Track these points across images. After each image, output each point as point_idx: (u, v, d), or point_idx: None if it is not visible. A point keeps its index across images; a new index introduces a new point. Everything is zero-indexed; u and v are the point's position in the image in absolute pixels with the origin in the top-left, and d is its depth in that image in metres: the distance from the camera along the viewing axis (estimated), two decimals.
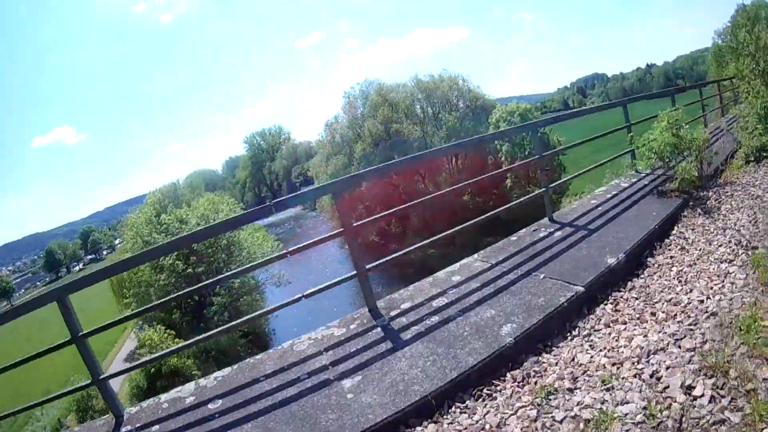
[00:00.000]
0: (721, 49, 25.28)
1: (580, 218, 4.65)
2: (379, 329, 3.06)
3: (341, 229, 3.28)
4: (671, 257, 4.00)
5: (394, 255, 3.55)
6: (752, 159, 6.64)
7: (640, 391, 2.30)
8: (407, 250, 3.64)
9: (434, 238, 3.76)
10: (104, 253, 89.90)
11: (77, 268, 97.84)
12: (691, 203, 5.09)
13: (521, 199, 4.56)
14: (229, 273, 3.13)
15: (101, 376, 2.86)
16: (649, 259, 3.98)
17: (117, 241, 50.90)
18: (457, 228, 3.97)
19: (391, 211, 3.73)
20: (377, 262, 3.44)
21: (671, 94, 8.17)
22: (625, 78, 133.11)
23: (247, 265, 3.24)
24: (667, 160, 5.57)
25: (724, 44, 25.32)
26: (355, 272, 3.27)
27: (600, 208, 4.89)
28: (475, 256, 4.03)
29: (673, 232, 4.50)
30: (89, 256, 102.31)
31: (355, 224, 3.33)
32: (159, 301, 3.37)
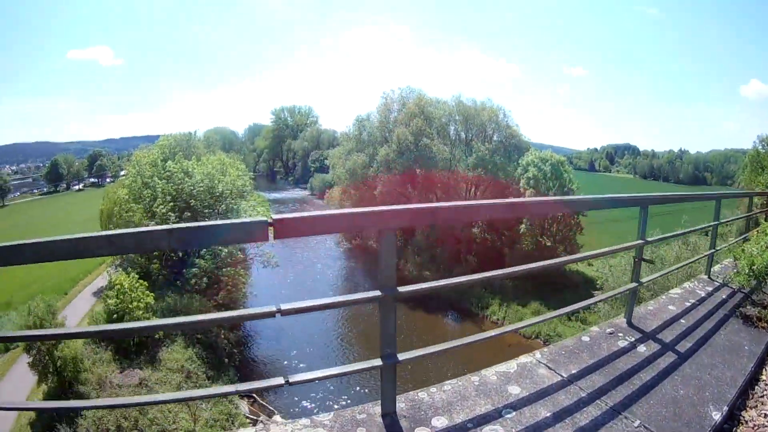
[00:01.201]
0: (760, 155, 24.50)
1: (663, 330, 3.79)
2: None
3: (377, 293, 2.07)
4: (766, 416, 3.20)
5: (429, 350, 2.36)
6: None
7: None
8: (447, 346, 2.39)
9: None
10: (107, 180, 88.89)
11: (77, 187, 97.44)
12: None
13: (606, 295, 3.67)
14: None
15: None
16: (742, 412, 3.16)
17: (122, 173, 50.22)
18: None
19: (453, 281, 2.46)
20: (412, 355, 2.26)
21: (750, 196, 7.50)
22: (656, 156, 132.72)
23: (230, 313, 2.26)
24: (762, 280, 4.78)
25: (765, 151, 24.57)
26: (380, 362, 2.14)
27: (683, 321, 4.03)
28: (539, 356, 3.07)
29: (762, 377, 3.70)
30: (92, 179, 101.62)
31: (402, 290, 2.13)
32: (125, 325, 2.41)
